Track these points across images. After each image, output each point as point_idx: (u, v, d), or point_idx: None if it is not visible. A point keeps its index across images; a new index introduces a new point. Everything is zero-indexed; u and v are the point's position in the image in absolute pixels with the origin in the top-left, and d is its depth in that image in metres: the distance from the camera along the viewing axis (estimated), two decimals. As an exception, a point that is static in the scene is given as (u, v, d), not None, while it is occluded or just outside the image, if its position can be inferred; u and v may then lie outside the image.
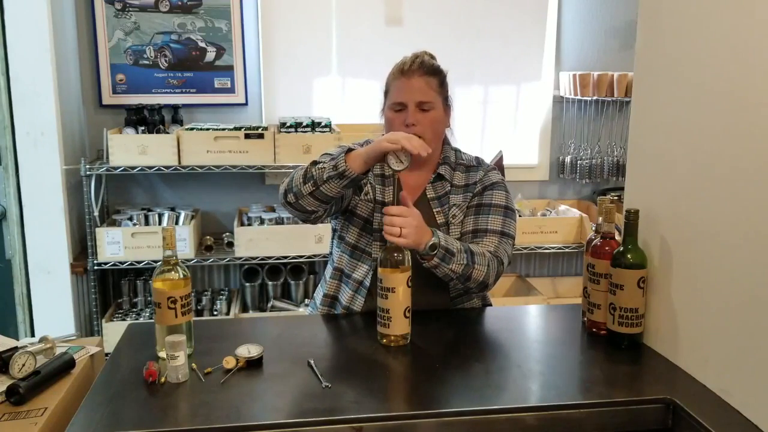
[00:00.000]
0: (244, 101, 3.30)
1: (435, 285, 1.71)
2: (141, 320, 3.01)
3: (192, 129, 3.01)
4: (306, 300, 3.26)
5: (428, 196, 1.78)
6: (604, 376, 1.41)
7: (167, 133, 3.00)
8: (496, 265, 1.67)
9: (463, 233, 1.75)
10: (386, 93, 1.78)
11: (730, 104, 1.27)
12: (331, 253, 1.88)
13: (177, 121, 3.17)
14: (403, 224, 1.50)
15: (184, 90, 3.25)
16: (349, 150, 1.57)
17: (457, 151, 1.85)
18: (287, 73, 3.32)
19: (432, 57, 1.78)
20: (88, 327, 3.06)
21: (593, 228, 1.66)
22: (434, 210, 1.76)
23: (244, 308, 3.23)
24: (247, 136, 2.94)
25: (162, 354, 1.41)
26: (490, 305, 1.89)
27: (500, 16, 3.43)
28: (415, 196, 1.76)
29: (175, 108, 3.17)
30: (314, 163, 1.61)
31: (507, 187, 1.83)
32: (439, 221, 1.74)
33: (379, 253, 1.58)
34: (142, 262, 2.95)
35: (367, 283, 1.74)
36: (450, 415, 1.24)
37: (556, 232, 3.28)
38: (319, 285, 1.92)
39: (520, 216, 3.20)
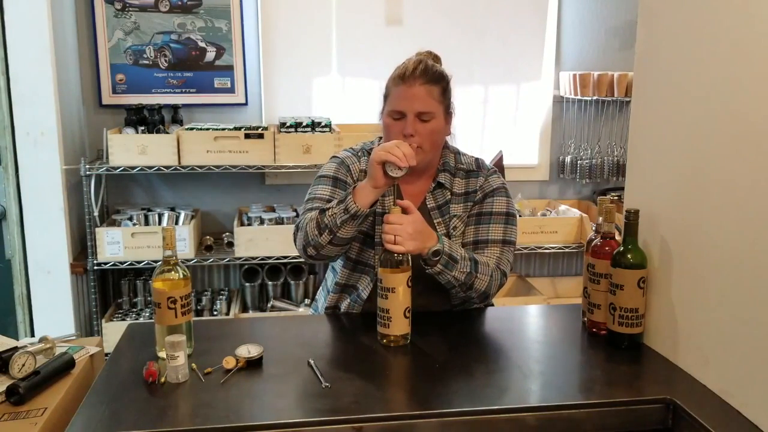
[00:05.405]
0: (244, 101, 3.30)
1: (437, 290, 1.69)
2: (141, 320, 3.01)
3: (192, 129, 3.00)
4: (306, 300, 3.26)
5: (428, 205, 1.74)
6: (605, 376, 1.41)
7: (167, 133, 3.00)
8: (499, 276, 1.67)
9: (465, 244, 1.73)
10: (386, 97, 1.71)
11: (730, 104, 1.27)
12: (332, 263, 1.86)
13: (177, 121, 3.17)
14: (396, 231, 1.48)
15: (184, 90, 3.25)
16: (353, 186, 1.56)
17: (456, 154, 1.81)
18: (287, 73, 3.32)
19: (436, 59, 1.72)
20: (88, 327, 3.06)
21: (593, 228, 1.66)
22: (435, 220, 1.73)
23: (244, 308, 3.23)
24: (247, 136, 2.94)
25: (162, 354, 1.41)
26: (492, 305, 1.88)
27: (500, 15, 3.43)
28: (416, 205, 1.71)
29: (175, 108, 3.17)
30: (322, 211, 1.57)
31: (508, 191, 1.79)
32: (440, 232, 1.71)
33: (380, 253, 1.58)
34: (142, 262, 2.95)
35: (365, 295, 1.73)
36: (450, 415, 1.24)
37: (556, 232, 3.28)
38: (320, 291, 1.91)
39: (520, 216, 3.20)
